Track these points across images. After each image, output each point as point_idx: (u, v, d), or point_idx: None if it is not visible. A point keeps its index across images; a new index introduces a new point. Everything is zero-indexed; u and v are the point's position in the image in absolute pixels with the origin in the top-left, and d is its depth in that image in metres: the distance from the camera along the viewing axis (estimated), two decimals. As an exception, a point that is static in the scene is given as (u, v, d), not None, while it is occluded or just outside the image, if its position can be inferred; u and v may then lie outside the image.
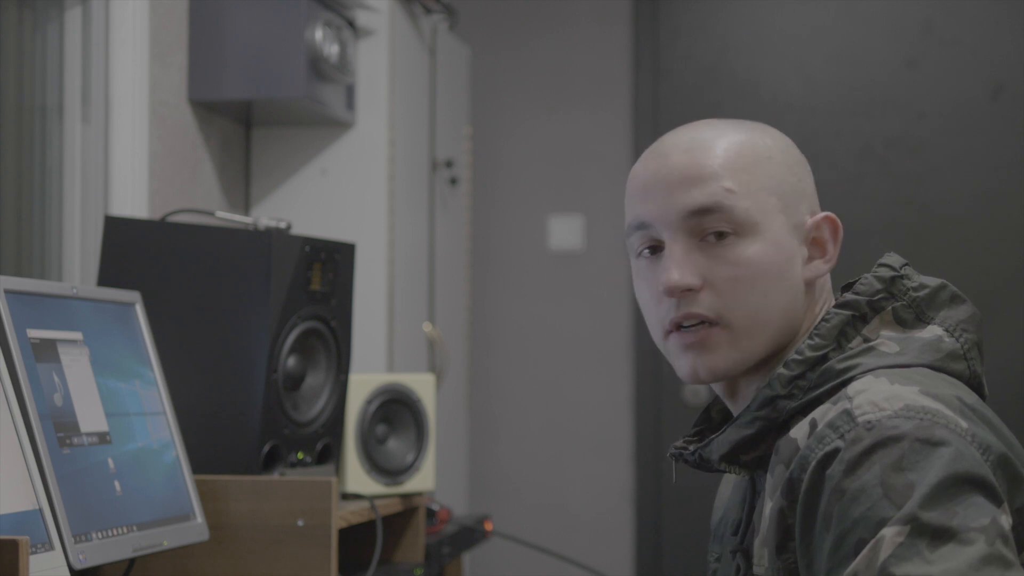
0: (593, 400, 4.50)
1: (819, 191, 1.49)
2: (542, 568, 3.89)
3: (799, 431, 1.32)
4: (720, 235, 1.38)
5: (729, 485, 1.54)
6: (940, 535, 1.16)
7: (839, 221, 1.43)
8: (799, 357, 1.35)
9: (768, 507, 1.33)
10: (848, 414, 1.26)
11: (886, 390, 1.27)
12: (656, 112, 4.44)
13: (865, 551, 1.18)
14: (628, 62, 4.51)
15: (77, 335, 1.85)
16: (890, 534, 1.17)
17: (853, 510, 1.21)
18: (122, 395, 1.91)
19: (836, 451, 1.24)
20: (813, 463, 1.26)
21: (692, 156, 1.40)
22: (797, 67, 4.35)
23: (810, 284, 1.42)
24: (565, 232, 4.49)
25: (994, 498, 1.20)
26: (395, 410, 2.54)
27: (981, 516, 1.17)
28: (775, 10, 4.40)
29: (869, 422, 1.24)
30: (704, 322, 1.38)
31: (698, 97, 4.42)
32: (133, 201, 2.85)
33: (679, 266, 1.37)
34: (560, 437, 4.52)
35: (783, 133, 1.47)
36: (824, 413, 1.30)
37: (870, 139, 4.31)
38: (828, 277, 1.45)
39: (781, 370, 1.36)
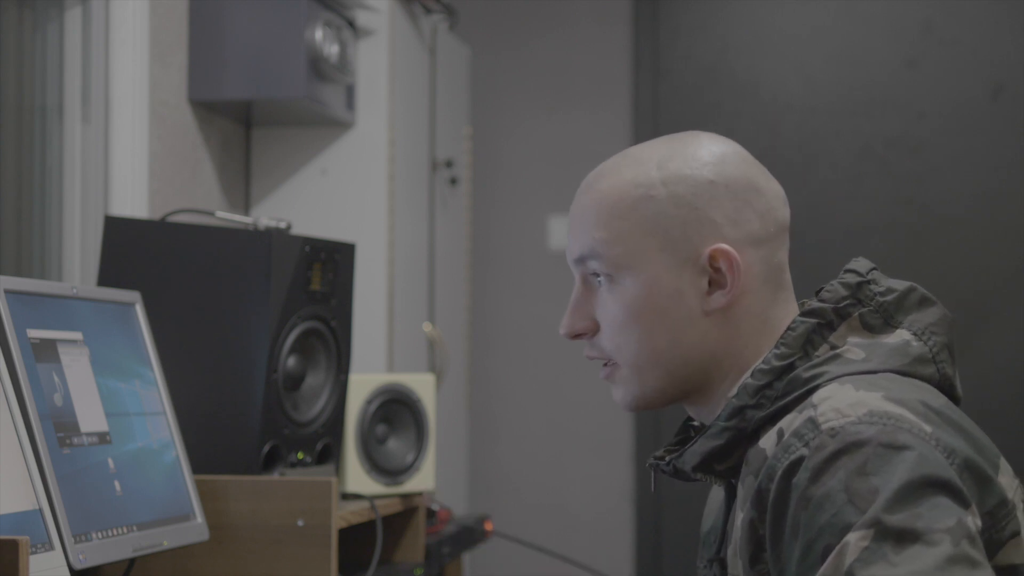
0: (593, 400, 4.50)
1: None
2: (542, 568, 3.88)
3: (768, 441, 1.32)
4: (600, 279, 1.42)
5: (720, 494, 1.55)
6: (905, 537, 1.16)
7: (731, 251, 1.38)
8: (765, 367, 1.35)
9: (740, 518, 1.33)
10: (812, 422, 1.26)
11: (850, 396, 1.27)
12: (656, 112, 4.44)
13: (831, 557, 1.18)
14: (628, 62, 4.51)
15: (77, 335, 1.85)
16: (855, 539, 1.17)
17: (819, 517, 1.21)
18: (122, 395, 1.91)
19: (801, 459, 1.24)
20: (780, 472, 1.26)
21: (580, 202, 1.45)
22: (797, 67, 4.35)
23: (719, 313, 1.39)
24: (565, 232, 4.49)
25: (960, 500, 1.20)
26: (395, 410, 2.54)
27: (946, 517, 1.17)
28: (775, 10, 4.40)
29: (833, 429, 1.24)
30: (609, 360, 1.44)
31: (698, 97, 4.42)
32: (133, 201, 2.85)
33: (569, 313, 1.45)
34: (560, 437, 4.52)
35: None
36: (791, 422, 1.30)
37: (870, 139, 4.31)
38: (768, 301, 1.41)
39: (748, 380, 1.35)
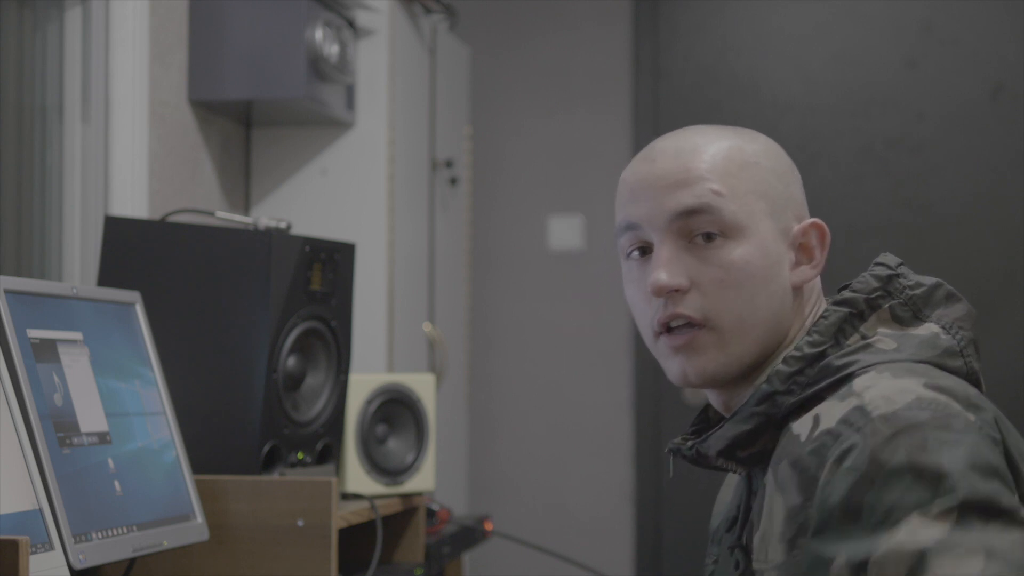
0: (593, 400, 4.50)
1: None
2: (542, 568, 3.88)
3: (802, 426, 1.32)
4: (708, 237, 1.40)
5: (729, 490, 1.55)
6: (988, 511, 1.19)
7: (827, 228, 1.44)
8: (797, 354, 1.36)
9: (775, 504, 1.33)
10: (861, 410, 1.27)
11: (892, 384, 1.29)
12: (656, 112, 4.44)
13: (903, 535, 1.19)
14: (628, 62, 4.51)
15: (77, 335, 1.85)
16: (931, 514, 1.19)
17: (885, 496, 1.21)
18: (122, 395, 1.91)
19: (854, 446, 1.25)
20: (831, 460, 1.26)
21: (681, 160, 1.42)
22: (797, 67, 4.35)
23: (797, 289, 1.43)
24: (565, 232, 4.49)
25: (1009, 486, 1.23)
26: (395, 410, 2.54)
27: (1012, 498, 1.21)
28: (775, 10, 4.40)
29: (884, 416, 1.25)
30: (691, 324, 1.39)
31: (698, 97, 4.42)
32: (133, 201, 2.85)
33: (667, 266, 1.39)
34: (560, 437, 4.52)
35: (773, 138, 1.49)
36: (830, 409, 1.31)
37: (870, 139, 4.31)
38: (818, 281, 1.46)
39: (780, 366, 1.36)
